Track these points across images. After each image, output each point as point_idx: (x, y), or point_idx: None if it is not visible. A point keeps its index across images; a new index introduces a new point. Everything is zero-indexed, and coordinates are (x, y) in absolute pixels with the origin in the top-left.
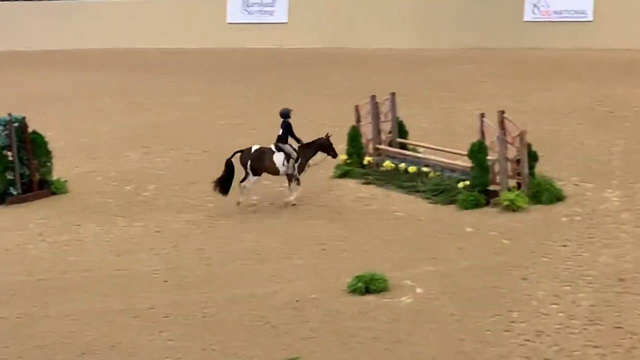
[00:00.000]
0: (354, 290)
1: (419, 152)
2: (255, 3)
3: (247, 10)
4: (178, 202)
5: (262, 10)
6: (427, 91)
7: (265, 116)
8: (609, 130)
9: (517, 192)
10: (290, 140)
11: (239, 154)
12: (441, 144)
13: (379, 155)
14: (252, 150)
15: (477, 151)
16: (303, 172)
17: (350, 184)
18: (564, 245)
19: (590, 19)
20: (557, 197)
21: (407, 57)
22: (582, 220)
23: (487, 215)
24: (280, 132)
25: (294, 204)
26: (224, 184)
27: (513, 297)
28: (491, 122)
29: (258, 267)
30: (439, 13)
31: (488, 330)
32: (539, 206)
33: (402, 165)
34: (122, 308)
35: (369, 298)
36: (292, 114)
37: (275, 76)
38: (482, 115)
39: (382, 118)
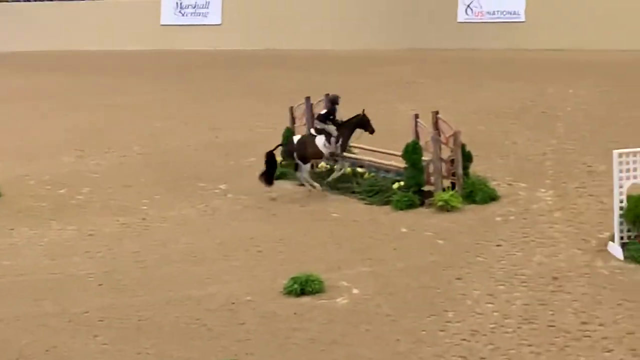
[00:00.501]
0: (289, 291)
1: (353, 153)
2: (189, 5)
3: (181, 12)
4: (113, 205)
5: (196, 12)
6: (363, 92)
7: (200, 118)
8: (542, 130)
9: (452, 192)
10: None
11: (280, 147)
12: (376, 144)
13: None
14: (295, 141)
15: (412, 152)
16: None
17: (286, 185)
18: (498, 245)
19: (523, 19)
20: (491, 197)
21: (343, 58)
22: (516, 220)
23: (422, 216)
24: (324, 111)
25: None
26: (267, 176)
27: (448, 297)
28: (425, 123)
29: (193, 269)
30: (374, 14)
31: (423, 330)
32: (473, 206)
33: (338, 166)
34: (56, 312)
35: (305, 299)
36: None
37: (211, 78)
38: (416, 116)
39: None
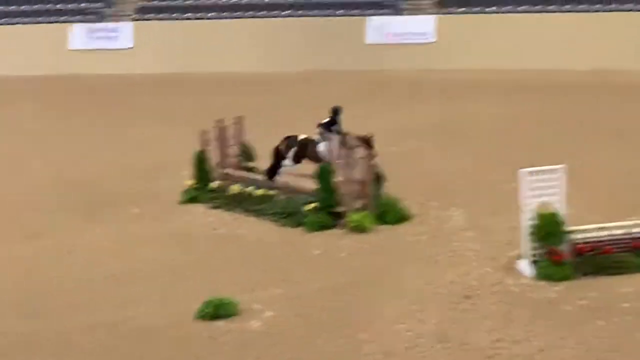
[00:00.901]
0: (203, 315)
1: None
2: (99, 29)
3: (90, 36)
4: (27, 228)
5: (107, 36)
6: (274, 113)
7: (111, 143)
8: (453, 149)
9: (364, 213)
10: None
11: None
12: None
13: (226, 179)
14: (297, 140)
15: (324, 173)
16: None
17: (199, 208)
18: (411, 265)
19: (433, 40)
20: (403, 217)
21: (254, 80)
22: (428, 240)
23: (335, 237)
24: (326, 120)
25: None
26: (271, 170)
27: (362, 317)
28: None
29: (107, 294)
30: (285, 36)
31: (338, 352)
32: (385, 227)
33: (250, 188)
34: None
35: (219, 323)
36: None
37: (121, 102)
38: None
39: (229, 142)
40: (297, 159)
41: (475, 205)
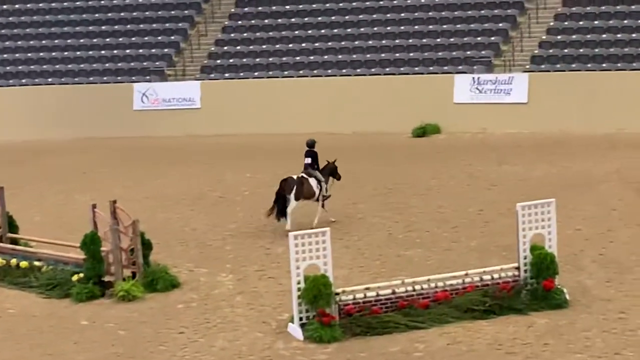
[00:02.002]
0: None
1: (31, 247)
2: None
3: None
4: None
5: None
6: (39, 183)
7: None
8: (221, 215)
9: (133, 281)
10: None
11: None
12: (54, 237)
13: None
14: (295, 178)
15: (90, 242)
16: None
17: None
18: (181, 332)
19: (199, 106)
20: (172, 284)
21: (18, 149)
22: (198, 306)
23: (103, 307)
24: (309, 160)
25: (333, 220)
26: (279, 210)
27: None
28: (104, 212)
29: None
30: (51, 104)
31: None
32: (155, 294)
33: (14, 260)
34: None
35: None
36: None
37: None
38: (94, 206)
39: None
40: (297, 197)
41: (245, 270)
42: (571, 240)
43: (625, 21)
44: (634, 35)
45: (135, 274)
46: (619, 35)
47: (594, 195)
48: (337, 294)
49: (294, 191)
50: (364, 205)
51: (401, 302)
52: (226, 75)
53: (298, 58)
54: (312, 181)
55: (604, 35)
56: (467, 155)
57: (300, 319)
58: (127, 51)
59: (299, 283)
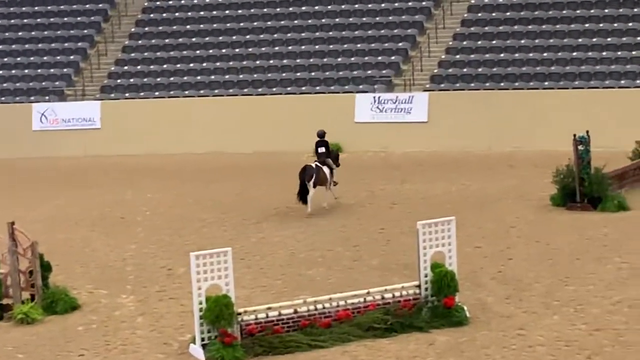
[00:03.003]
0: None
1: None
2: None
3: None
4: None
5: None
6: None
7: None
8: (121, 235)
9: (31, 304)
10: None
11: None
12: None
13: None
14: (314, 166)
15: None
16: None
17: None
18: (81, 355)
19: (99, 126)
20: (72, 306)
21: None
22: (98, 328)
23: (1, 330)
24: (323, 149)
25: (336, 198)
26: (303, 197)
27: None
28: (2, 234)
29: None
30: None
31: None
32: (54, 317)
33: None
34: None
35: None
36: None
37: None
38: None
39: None
40: (315, 184)
41: (146, 291)
42: (471, 257)
43: (523, 41)
44: (530, 54)
45: (34, 296)
46: (516, 55)
47: (492, 213)
48: (239, 314)
49: (313, 179)
50: (266, 225)
51: (303, 322)
52: (126, 95)
53: (199, 78)
54: (326, 169)
55: (501, 55)
56: (369, 174)
57: (202, 339)
58: (26, 71)
59: (200, 303)
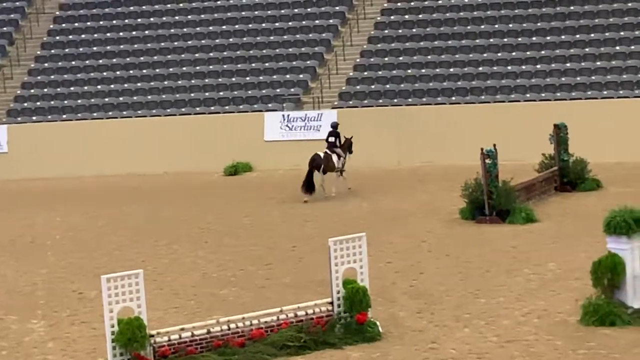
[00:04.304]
0: None
1: None
2: None
3: None
4: None
5: None
6: None
7: None
8: (31, 260)
9: None
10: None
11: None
12: None
13: None
14: (322, 156)
15: None
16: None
17: None
18: None
19: (6, 150)
20: None
21: None
22: (8, 355)
23: None
24: (333, 139)
25: (350, 188)
26: (308, 187)
27: None
28: None
29: None
30: None
31: None
32: None
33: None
34: None
35: None
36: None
37: None
38: None
39: None
40: (324, 171)
41: (57, 316)
42: (383, 273)
43: (429, 57)
44: (437, 70)
45: None
46: (423, 71)
47: (403, 228)
48: (152, 335)
49: (322, 167)
50: (177, 246)
51: (216, 342)
52: (34, 118)
53: (107, 99)
54: (334, 157)
55: (409, 71)
56: (280, 192)
57: None
58: None
59: (112, 326)
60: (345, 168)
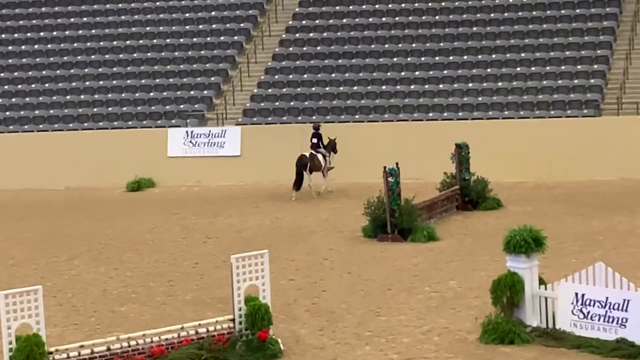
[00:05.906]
0: None
1: None
2: None
3: None
4: None
5: None
6: None
7: None
8: None
9: None
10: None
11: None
12: None
13: None
14: (308, 155)
15: None
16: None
17: None
18: None
19: None
20: None
21: None
22: None
23: None
24: (315, 141)
25: (331, 190)
26: (298, 184)
27: None
28: None
29: None
30: None
31: None
32: None
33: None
34: None
35: None
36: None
37: None
38: None
39: None
40: (310, 171)
41: None
42: (285, 290)
43: (333, 75)
44: (341, 88)
45: None
46: (327, 89)
47: (306, 245)
48: (50, 353)
49: (308, 166)
50: (77, 261)
51: (116, 359)
52: None
53: (8, 113)
54: (319, 157)
55: (313, 89)
56: (183, 208)
57: None
58: None
59: (10, 343)
60: (332, 165)
